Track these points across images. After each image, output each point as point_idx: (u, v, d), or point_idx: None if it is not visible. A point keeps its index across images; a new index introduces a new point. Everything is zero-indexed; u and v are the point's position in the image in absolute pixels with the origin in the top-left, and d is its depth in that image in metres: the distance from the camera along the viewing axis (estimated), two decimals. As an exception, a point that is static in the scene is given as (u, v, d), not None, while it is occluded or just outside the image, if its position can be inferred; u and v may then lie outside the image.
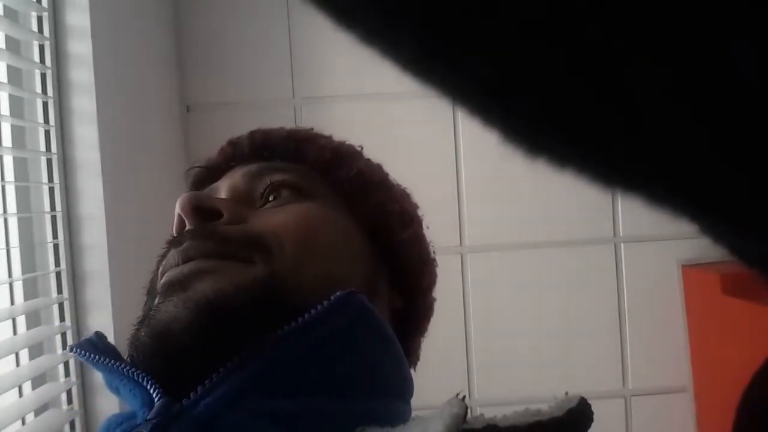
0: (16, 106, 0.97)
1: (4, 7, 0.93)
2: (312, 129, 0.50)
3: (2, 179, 0.95)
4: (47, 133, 0.99)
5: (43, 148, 0.98)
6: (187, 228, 0.40)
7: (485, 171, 1.43)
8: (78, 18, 0.99)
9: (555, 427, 0.30)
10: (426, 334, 0.53)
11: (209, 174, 0.48)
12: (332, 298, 0.35)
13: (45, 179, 0.98)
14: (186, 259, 0.37)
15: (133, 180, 1.10)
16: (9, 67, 0.94)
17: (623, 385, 1.42)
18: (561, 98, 0.13)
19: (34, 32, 0.96)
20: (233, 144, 0.48)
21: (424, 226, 0.51)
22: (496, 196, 1.43)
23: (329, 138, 0.49)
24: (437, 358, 1.44)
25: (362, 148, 0.51)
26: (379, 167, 0.50)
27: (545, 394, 1.51)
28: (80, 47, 0.99)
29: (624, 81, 0.11)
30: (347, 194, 0.45)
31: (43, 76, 0.98)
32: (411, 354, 0.50)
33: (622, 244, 1.43)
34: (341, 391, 0.35)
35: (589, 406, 0.33)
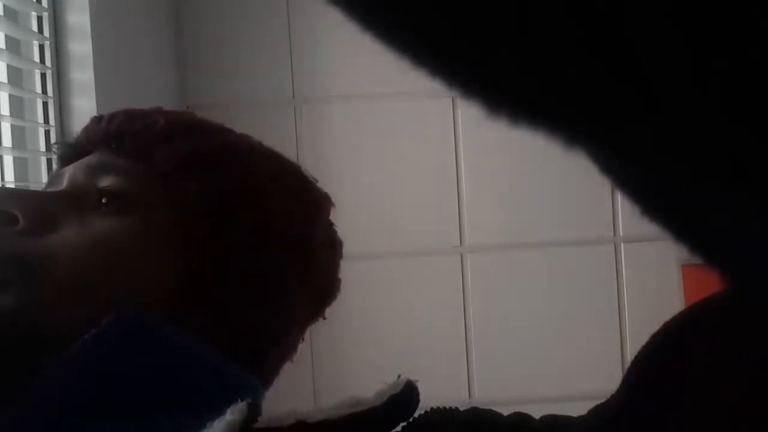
0: (16, 106, 0.97)
1: (4, 7, 0.93)
2: (179, 117, 0.44)
3: (2, 179, 0.95)
4: (47, 133, 0.99)
5: (43, 147, 0.98)
6: None
7: (485, 171, 1.43)
8: (78, 18, 0.99)
9: (371, 418, 0.29)
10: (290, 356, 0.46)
11: (73, 151, 0.44)
12: (102, 325, 0.33)
13: (45, 179, 0.98)
14: None
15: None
16: (9, 67, 0.94)
17: (623, 385, 1.42)
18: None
19: (34, 32, 0.96)
20: (91, 126, 0.43)
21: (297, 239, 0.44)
22: (495, 196, 1.43)
23: (193, 136, 0.42)
24: (437, 358, 1.44)
25: (250, 152, 0.43)
26: (250, 174, 0.42)
27: (545, 393, 1.50)
28: (80, 47, 0.99)
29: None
30: (182, 208, 0.39)
31: (43, 76, 0.98)
32: (266, 373, 0.44)
33: (622, 244, 1.43)
34: (140, 412, 0.34)
35: (414, 389, 0.32)
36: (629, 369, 0.22)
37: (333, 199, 0.48)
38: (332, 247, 0.47)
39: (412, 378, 0.33)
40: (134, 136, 0.41)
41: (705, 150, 0.14)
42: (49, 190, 0.41)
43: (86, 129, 0.44)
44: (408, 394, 0.31)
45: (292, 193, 0.44)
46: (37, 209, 0.37)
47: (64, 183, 0.40)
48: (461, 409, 0.31)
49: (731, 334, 0.20)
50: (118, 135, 0.41)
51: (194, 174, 0.40)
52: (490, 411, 0.30)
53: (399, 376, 0.32)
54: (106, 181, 0.39)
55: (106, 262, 0.36)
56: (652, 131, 0.14)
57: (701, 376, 0.20)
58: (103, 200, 0.38)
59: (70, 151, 0.44)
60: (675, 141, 0.14)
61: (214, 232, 0.40)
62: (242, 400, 0.29)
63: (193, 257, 0.39)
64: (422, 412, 0.31)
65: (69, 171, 0.40)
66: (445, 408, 0.31)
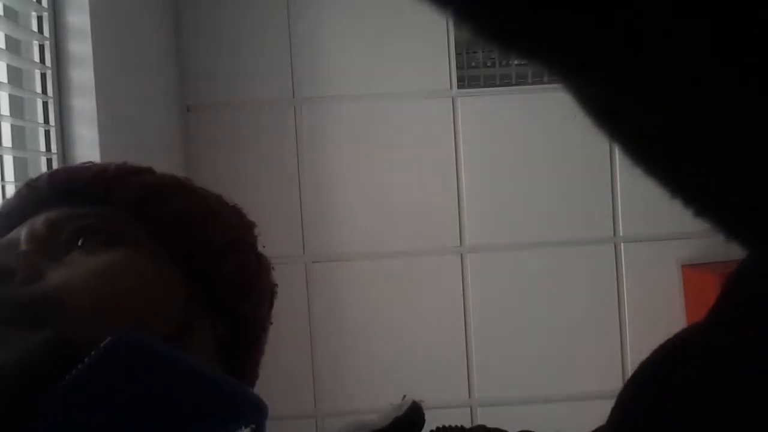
0: (16, 106, 0.97)
1: (4, 7, 0.93)
2: (126, 163, 0.46)
3: (2, 179, 0.95)
4: (47, 133, 0.99)
5: (43, 148, 0.98)
6: None
7: (485, 171, 1.43)
8: (78, 18, 0.99)
9: None
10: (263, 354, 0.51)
11: (6, 221, 0.44)
12: (100, 347, 0.34)
13: (45, 179, 0.98)
14: None
15: (133, 180, 1.10)
16: (9, 67, 0.94)
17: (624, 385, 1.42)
18: None
19: (34, 32, 0.96)
20: (31, 187, 0.45)
21: (259, 246, 0.48)
22: (496, 196, 1.43)
23: (145, 174, 0.46)
24: (437, 358, 1.44)
25: (190, 181, 0.48)
26: (204, 199, 0.46)
27: (545, 393, 1.50)
28: (80, 47, 0.99)
29: None
30: (160, 233, 0.42)
31: (43, 76, 0.98)
32: (246, 375, 0.46)
33: (622, 244, 1.43)
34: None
35: (418, 410, 0.32)
36: (620, 395, 0.22)
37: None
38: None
39: (418, 398, 0.33)
40: (89, 184, 0.43)
41: (693, 91, 0.13)
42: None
43: (19, 194, 0.45)
44: (412, 415, 0.32)
45: (234, 209, 0.48)
46: (28, 260, 0.38)
47: (23, 244, 0.40)
48: (466, 417, 0.31)
49: (716, 365, 0.20)
50: (69, 189, 0.43)
51: (158, 200, 0.43)
52: (498, 430, 0.31)
53: (404, 397, 0.33)
54: (78, 225, 0.40)
55: (117, 282, 0.38)
56: (637, 68, 0.14)
57: (691, 406, 0.19)
58: (80, 242, 0.39)
59: (1, 220, 0.44)
60: (660, 80, 0.14)
61: (197, 243, 0.42)
62: (245, 425, 0.30)
63: (187, 271, 0.41)
64: (429, 431, 0.31)
65: (24, 231, 0.41)
66: (451, 426, 0.31)
